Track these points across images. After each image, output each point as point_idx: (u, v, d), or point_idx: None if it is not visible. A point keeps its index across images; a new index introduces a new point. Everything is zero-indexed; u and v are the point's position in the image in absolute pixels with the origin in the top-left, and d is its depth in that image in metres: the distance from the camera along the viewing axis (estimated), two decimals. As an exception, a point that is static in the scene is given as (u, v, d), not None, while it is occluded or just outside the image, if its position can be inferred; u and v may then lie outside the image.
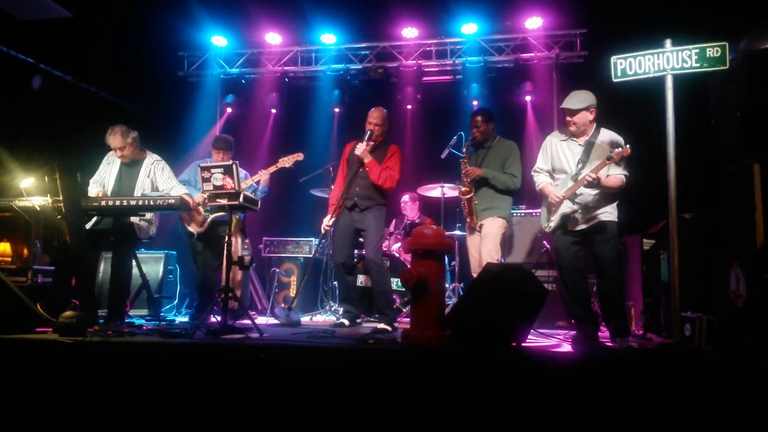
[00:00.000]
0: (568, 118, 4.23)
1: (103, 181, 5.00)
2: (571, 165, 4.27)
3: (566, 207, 4.21)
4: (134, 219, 4.76)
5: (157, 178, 4.96)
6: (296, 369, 3.09)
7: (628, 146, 3.98)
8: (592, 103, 4.18)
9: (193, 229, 5.45)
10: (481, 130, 5.10)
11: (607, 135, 4.22)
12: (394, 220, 7.09)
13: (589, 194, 4.17)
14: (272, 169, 5.52)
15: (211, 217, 5.39)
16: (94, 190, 4.94)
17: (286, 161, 5.52)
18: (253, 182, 5.55)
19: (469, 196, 4.94)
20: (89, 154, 5.08)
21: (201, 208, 5.36)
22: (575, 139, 4.29)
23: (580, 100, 4.19)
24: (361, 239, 5.21)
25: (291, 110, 8.69)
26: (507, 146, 5.12)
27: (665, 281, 4.55)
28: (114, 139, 4.84)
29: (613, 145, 4.14)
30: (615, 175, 4.10)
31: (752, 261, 3.41)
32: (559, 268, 4.38)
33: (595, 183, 4.06)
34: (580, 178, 4.13)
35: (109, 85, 7.98)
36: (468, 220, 5.05)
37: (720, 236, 4.02)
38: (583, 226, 4.22)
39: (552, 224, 4.31)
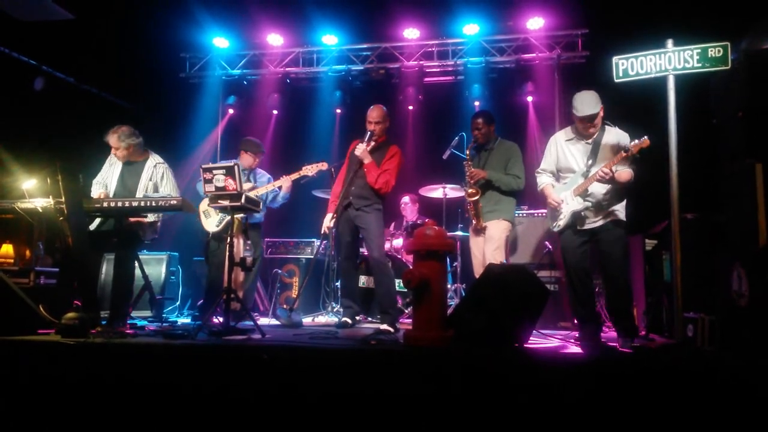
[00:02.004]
0: (588, 123, 4.20)
1: (105, 182, 5.02)
2: (580, 163, 4.26)
3: (577, 204, 4.19)
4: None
5: (159, 183, 4.97)
6: (298, 370, 3.09)
7: (645, 137, 3.93)
8: (600, 100, 4.21)
9: (209, 228, 5.50)
10: (483, 132, 5.09)
11: (613, 131, 4.22)
12: (393, 222, 7.09)
13: (599, 191, 4.17)
14: (295, 176, 5.54)
15: (228, 218, 5.40)
16: (96, 191, 4.96)
17: (310, 170, 5.51)
18: (275, 187, 5.58)
19: (475, 198, 4.93)
20: (91, 156, 5.09)
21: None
22: (582, 139, 4.30)
23: (594, 102, 4.17)
24: (361, 236, 5.19)
25: (293, 111, 8.70)
26: (509, 147, 5.12)
27: (667, 281, 4.54)
28: (111, 138, 4.87)
29: (621, 140, 4.15)
30: (624, 170, 4.09)
31: (754, 261, 3.41)
32: (565, 268, 4.37)
33: (607, 178, 4.03)
34: (592, 174, 4.11)
35: (110, 86, 8.00)
36: (473, 221, 5.04)
37: (722, 236, 4.02)
38: (592, 225, 4.21)
39: (561, 223, 4.29)
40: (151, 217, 4.85)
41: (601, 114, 4.22)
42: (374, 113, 5.06)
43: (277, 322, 5.40)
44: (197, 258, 6.77)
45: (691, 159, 4.30)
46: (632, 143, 3.97)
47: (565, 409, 2.77)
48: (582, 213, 4.21)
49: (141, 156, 5.01)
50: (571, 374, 2.95)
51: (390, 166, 4.97)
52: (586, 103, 4.17)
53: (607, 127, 4.26)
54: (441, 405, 2.85)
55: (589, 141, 4.27)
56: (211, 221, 5.57)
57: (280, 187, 5.63)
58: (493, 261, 4.76)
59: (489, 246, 4.90)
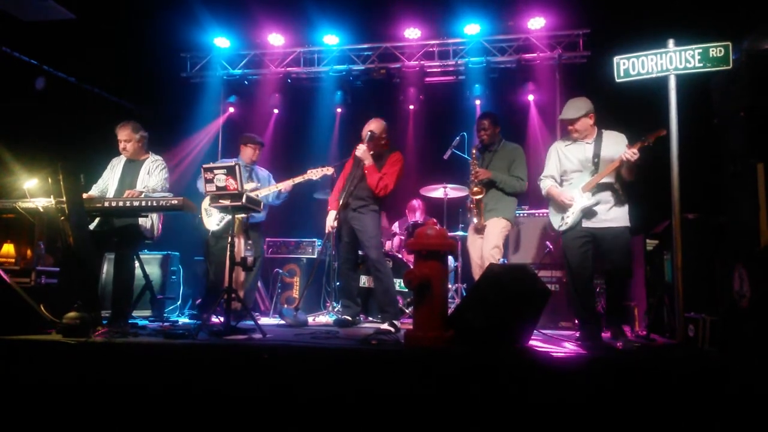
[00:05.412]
0: (570, 128, 4.32)
1: (105, 185, 5.03)
2: (585, 162, 4.30)
3: (586, 200, 4.22)
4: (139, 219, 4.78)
5: (151, 175, 4.98)
6: (299, 370, 3.09)
7: (662, 128, 3.95)
8: (589, 109, 4.28)
9: (210, 226, 5.53)
10: (489, 133, 5.13)
11: (612, 135, 4.25)
12: (397, 222, 7.09)
13: (603, 192, 4.19)
14: (299, 179, 5.60)
15: (228, 217, 5.42)
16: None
17: (315, 173, 5.58)
18: (277, 189, 5.63)
19: (480, 196, 4.96)
20: (92, 156, 5.10)
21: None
22: (581, 140, 4.33)
23: (577, 108, 4.28)
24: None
25: (293, 111, 8.72)
26: (512, 150, 5.15)
27: (669, 282, 4.54)
28: (123, 130, 4.94)
29: (619, 140, 4.21)
30: None
31: (756, 261, 3.40)
32: (567, 268, 4.38)
33: (635, 158, 4.02)
34: (605, 169, 4.16)
35: (112, 86, 8.01)
36: (475, 220, 5.04)
37: (723, 236, 4.01)
38: (598, 224, 4.22)
39: (569, 221, 4.30)
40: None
41: (590, 122, 4.31)
42: (373, 124, 5.09)
43: (279, 322, 5.40)
44: (198, 257, 6.79)
45: (693, 159, 4.30)
46: (649, 133, 4.01)
47: (567, 409, 2.77)
48: (591, 209, 4.22)
49: (144, 155, 5.06)
50: (572, 374, 2.95)
51: (390, 171, 4.99)
52: (568, 107, 4.34)
53: (604, 131, 4.35)
54: (442, 405, 2.85)
55: (590, 141, 4.30)
56: (212, 219, 5.63)
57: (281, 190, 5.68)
58: (491, 259, 4.78)
59: (486, 244, 4.91)
